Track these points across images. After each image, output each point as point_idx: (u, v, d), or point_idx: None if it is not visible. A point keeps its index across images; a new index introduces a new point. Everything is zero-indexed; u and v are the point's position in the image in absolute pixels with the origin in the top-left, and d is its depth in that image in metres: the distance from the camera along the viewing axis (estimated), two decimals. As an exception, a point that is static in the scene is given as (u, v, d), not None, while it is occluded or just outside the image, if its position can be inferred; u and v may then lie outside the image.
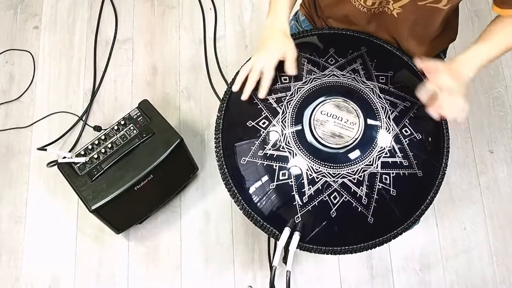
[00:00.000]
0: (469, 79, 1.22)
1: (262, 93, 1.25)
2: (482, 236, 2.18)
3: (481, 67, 1.25)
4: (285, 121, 1.21)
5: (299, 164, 1.18)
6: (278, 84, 1.27)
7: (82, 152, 1.87)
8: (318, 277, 2.12)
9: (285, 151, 1.19)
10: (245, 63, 1.30)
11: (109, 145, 1.87)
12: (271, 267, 1.17)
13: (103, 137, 1.90)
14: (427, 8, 1.25)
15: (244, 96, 1.26)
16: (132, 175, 1.84)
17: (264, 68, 1.26)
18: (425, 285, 2.12)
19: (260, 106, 1.25)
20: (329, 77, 1.27)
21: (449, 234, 2.19)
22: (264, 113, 1.24)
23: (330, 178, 1.17)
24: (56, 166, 1.86)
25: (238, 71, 1.31)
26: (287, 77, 1.28)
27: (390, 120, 1.23)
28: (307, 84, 1.26)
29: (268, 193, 1.20)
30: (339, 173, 1.17)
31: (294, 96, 1.24)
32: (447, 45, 1.55)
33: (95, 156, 1.86)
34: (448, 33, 1.46)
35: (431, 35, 1.40)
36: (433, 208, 2.20)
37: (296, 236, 1.16)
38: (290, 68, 1.26)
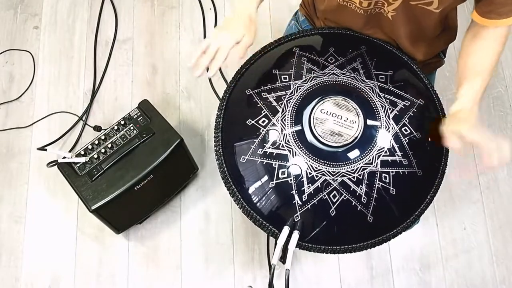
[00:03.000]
0: (476, 115, 1.22)
1: (210, 72, 1.24)
2: (482, 236, 2.18)
3: (482, 94, 1.25)
4: (284, 120, 1.21)
5: (298, 162, 1.18)
6: (278, 83, 1.27)
7: (82, 152, 1.87)
8: (318, 276, 2.12)
9: (285, 150, 1.19)
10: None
11: (109, 145, 1.88)
12: (270, 266, 1.17)
13: (103, 137, 1.90)
14: (420, 10, 1.25)
15: (196, 72, 1.24)
16: (132, 175, 1.84)
17: (220, 47, 1.23)
18: (425, 285, 2.12)
19: (260, 104, 1.25)
20: (329, 76, 1.27)
21: (449, 234, 2.18)
22: (264, 112, 1.24)
23: (329, 176, 1.17)
24: (56, 166, 1.86)
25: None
26: (287, 76, 1.28)
27: (389, 119, 1.23)
28: (307, 83, 1.26)
29: (268, 192, 1.20)
30: (339, 172, 1.17)
31: (294, 94, 1.24)
32: (447, 45, 1.55)
33: (95, 156, 1.86)
34: (447, 34, 1.46)
35: (428, 36, 1.40)
36: (433, 208, 2.20)
37: (295, 235, 1.16)
38: (238, 52, 1.25)
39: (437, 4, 1.21)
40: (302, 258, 2.13)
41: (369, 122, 1.21)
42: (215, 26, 2.52)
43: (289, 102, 1.23)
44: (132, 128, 1.92)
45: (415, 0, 1.21)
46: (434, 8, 1.23)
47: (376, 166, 1.18)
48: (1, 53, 2.49)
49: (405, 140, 1.22)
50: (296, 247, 1.17)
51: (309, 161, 1.17)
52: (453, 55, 2.33)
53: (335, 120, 1.19)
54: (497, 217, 2.21)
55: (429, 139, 1.26)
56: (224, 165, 1.24)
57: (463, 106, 1.23)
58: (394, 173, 1.19)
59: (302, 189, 1.17)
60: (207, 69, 1.23)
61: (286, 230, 1.17)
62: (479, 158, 1.18)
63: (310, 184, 1.17)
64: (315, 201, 1.17)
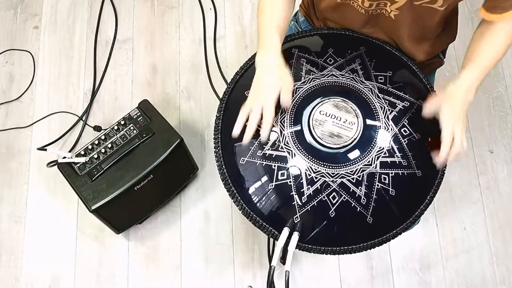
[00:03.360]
0: (470, 103, 1.25)
1: (264, 135, 1.19)
2: (482, 236, 2.18)
3: (478, 86, 1.27)
4: (284, 121, 1.21)
5: (298, 164, 1.18)
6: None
7: (82, 152, 1.87)
8: (318, 277, 2.12)
9: (284, 151, 1.19)
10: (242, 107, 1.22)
11: (109, 145, 1.88)
12: (270, 267, 1.17)
13: (103, 137, 1.90)
14: (424, 9, 1.25)
15: (245, 141, 1.19)
16: (132, 175, 1.84)
17: (264, 108, 1.19)
18: (425, 285, 2.12)
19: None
20: (328, 77, 1.27)
21: (449, 234, 2.18)
22: (263, 113, 1.23)
23: (329, 178, 1.17)
24: (56, 166, 1.86)
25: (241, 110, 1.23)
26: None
27: (389, 120, 1.23)
28: (305, 84, 1.26)
29: (267, 193, 1.20)
30: (338, 173, 1.17)
31: (293, 96, 1.24)
32: (447, 45, 1.55)
33: (95, 156, 1.86)
34: (447, 34, 1.46)
35: (429, 36, 1.40)
36: (433, 208, 2.20)
37: (295, 236, 1.16)
38: (285, 101, 1.20)
39: (442, 1, 1.21)
40: (302, 258, 2.14)
41: (368, 123, 1.21)
42: (215, 26, 2.52)
43: (288, 103, 1.23)
44: (132, 128, 1.92)
45: (419, 0, 1.22)
46: (439, 6, 1.23)
47: (376, 167, 1.18)
48: (1, 53, 2.49)
49: (405, 141, 1.22)
50: (296, 248, 1.17)
51: (309, 162, 1.17)
52: (453, 55, 2.34)
53: (334, 121, 1.19)
54: (497, 217, 2.21)
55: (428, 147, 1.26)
56: (223, 166, 1.24)
57: (458, 88, 1.24)
58: (393, 174, 1.19)
59: (302, 190, 1.17)
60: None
61: (286, 231, 1.17)
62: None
63: (309, 186, 1.17)
64: (315, 202, 1.17)
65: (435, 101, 1.22)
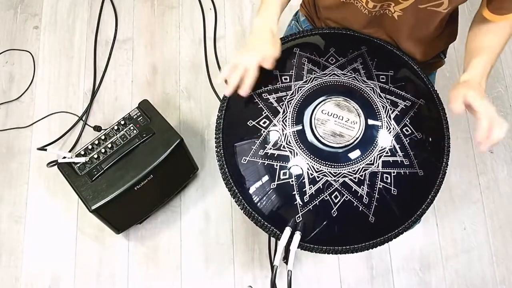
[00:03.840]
0: (485, 90, 1.24)
1: (243, 90, 1.23)
2: (482, 236, 2.19)
3: (488, 75, 1.27)
4: (285, 121, 1.21)
5: (300, 163, 1.18)
6: (279, 84, 1.27)
7: (82, 152, 1.87)
8: (318, 276, 2.12)
9: (286, 151, 1.19)
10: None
11: (109, 145, 1.87)
12: (271, 266, 1.17)
13: (103, 137, 1.90)
14: (427, 11, 1.25)
15: (227, 91, 1.25)
16: (132, 175, 1.84)
17: (248, 65, 1.23)
18: (425, 285, 2.13)
19: (261, 105, 1.25)
20: (329, 76, 1.27)
21: (449, 234, 2.19)
22: (265, 113, 1.23)
23: (331, 177, 1.17)
24: (56, 166, 1.86)
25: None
26: (288, 77, 1.28)
27: (390, 119, 1.23)
28: (307, 84, 1.26)
29: (269, 192, 1.20)
30: (340, 173, 1.17)
31: (295, 95, 1.24)
32: (447, 45, 1.55)
33: (95, 156, 1.86)
34: (447, 34, 1.47)
35: (429, 36, 1.40)
36: (433, 208, 2.20)
37: (297, 235, 1.16)
38: (267, 65, 1.25)
39: (447, 4, 1.21)
40: (303, 258, 2.14)
41: (370, 122, 1.21)
42: (215, 26, 2.52)
43: (290, 103, 1.23)
44: (132, 128, 1.92)
45: (424, 3, 1.22)
46: (443, 9, 1.23)
47: (378, 167, 1.18)
48: (1, 53, 2.48)
49: (406, 141, 1.22)
50: (297, 247, 1.17)
51: (311, 162, 1.17)
52: (453, 55, 2.34)
53: (336, 120, 1.19)
54: (497, 217, 2.21)
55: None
56: (225, 166, 1.24)
57: (472, 77, 1.23)
58: (395, 174, 1.19)
59: (304, 190, 1.17)
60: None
61: (287, 231, 1.16)
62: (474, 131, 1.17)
63: (311, 185, 1.17)
64: (317, 202, 1.17)
65: (456, 95, 1.17)
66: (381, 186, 1.18)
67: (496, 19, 1.26)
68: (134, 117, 1.94)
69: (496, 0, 1.23)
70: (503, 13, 1.24)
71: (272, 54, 1.26)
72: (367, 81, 1.27)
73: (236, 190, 1.22)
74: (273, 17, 1.32)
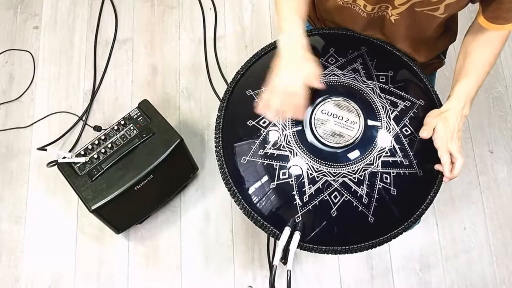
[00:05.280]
0: (467, 116, 1.29)
1: (300, 114, 1.19)
2: (482, 236, 2.19)
3: (474, 97, 1.30)
4: (285, 121, 1.21)
5: (299, 163, 1.18)
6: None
7: (82, 152, 1.87)
8: (318, 277, 2.12)
9: (286, 151, 1.19)
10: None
11: (109, 145, 1.87)
12: (271, 266, 1.17)
13: (103, 137, 1.90)
14: (424, 15, 1.25)
15: (272, 118, 1.19)
16: (132, 175, 1.84)
17: (295, 89, 1.15)
18: (425, 285, 2.12)
19: (261, 105, 1.25)
20: (329, 76, 1.27)
21: (449, 234, 2.19)
22: (265, 113, 1.23)
23: (330, 177, 1.17)
24: (56, 166, 1.86)
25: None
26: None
27: (390, 120, 1.23)
28: (307, 84, 1.26)
29: (269, 192, 1.20)
30: (340, 173, 1.17)
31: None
32: (447, 46, 1.56)
33: (95, 156, 1.86)
34: (447, 36, 1.47)
35: (428, 39, 1.40)
36: (433, 208, 2.20)
37: (297, 235, 1.16)
38: (316, 79, 1.17)
39: (443, 10, 1.21)
40: (302, 258, 2.14)
41: (370, 122, 1.21)
42: (215, 26, 2.52)
43: (290, 103, 1.23)
44: (132, 128, 1.92)
45: (421, 6, 1.22)
46: (440, 14, 1.23)
47: (377, 167, 1.18)
48: (1, 53, 2.48)
49: (406, 141, 1.22)
50: (297, 247, 1.17)
51: (310, 162, 1.17)
52: (453, 55, 2.32)
53: (336, 120, 1.19)
54: (497, 217, 2.21)
55: None
56: (225, 166, 1.24)
57: (454, 106, 1.26)
58: (395, 174, 1.19)
59: (303, 190, 1.17)
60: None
61: (287, 231, 1.17)
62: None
63: (311, 185, 1.17)
64: (316, 202, 1.17)
65: (430, 124, 1.23)
66: (380, 186, 1.18)
67: (490, 27, 1.26)
68: (134, 117, 1.94)
69: (491, 8, 1.23)
70: (498, 22, 1.24)
71: (315, 71, 1.17)
72: (367, 81, 1.27)
73: (236, 190, 1.23)
74: (297, 29, 1.20)
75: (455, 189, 2.24)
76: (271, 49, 1.38)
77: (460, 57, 1.35)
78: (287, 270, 1.15)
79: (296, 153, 1.18)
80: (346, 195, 1.17)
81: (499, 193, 2.24)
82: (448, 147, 1.21)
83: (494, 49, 1.30)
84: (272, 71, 1.18)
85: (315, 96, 1.22)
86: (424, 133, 1.21)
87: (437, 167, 1.24)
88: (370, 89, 1.26)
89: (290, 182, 1.18)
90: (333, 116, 1.19)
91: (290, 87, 1.15)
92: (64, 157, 1.85)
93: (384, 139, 1.21)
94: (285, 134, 1.20)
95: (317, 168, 1.17)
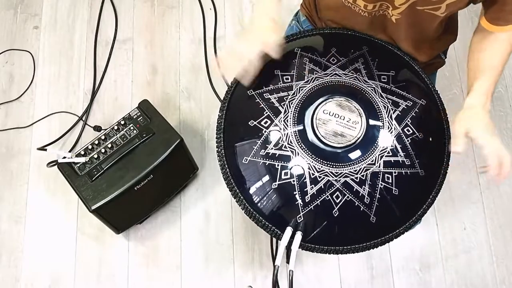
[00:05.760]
0: (489, 111, 1.25)
1: (247, 81, 1.23)
2: (482, 236, 2.19)
3: (493, 93, 1.27)
4: (287, 121, 1.21)
5: (301, 163, 1.18)
6: (280, 83, 1.27)
7: (82, 152, 1.87)
8: (318, 277, 2.12)
9: (287, 151, 1.19)
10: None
11: (109, 145, 1.87)
12: (274, 267, 1.17)
13: (103, 137, 1.90)
14: (425, 14, 1.25)
15: (219, 71, 1.24)
16: (132, 175, 1.84)
17: (249, 55, 1.22)
18: (425, 285, 2.13)
19: (262, 105, 1.25)
20: (331, 76, 1.27)
21: (449, 234, 2.19)
22: (266, 113, 1.23)
23: (332, 177, 1.17)
24: (56, 166, 1.86)
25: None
26: (289, 76, 1.28)
27: (392, 119, 1.23)
28: (309, 84, 1.26)
29: (270, 192, 1.20)
30: (342, 173, 1.17)
31: (296, 95, 1.24)
32: (447, 46, 1.55)
33: (95, 156, 1.86)
34: (447, 35, 1.47)
35: (429, 38, 1.40)
36: (433, 208, 2.18)
37: (298, 235, 1.16)
38: (271, 51, 1.23)
39: (444, 9, 1.21)
40: (303, 258, 2.14)
41: (372, 122, 1.21)
42: (215, 26, 2.52)
43: (291, 103, 1.23)
44: (132, 128, 1.92)
45: (422, 5, 1.22)
46: (441, 13, 1.23)
47: (379, 167, 1.18)
48: (1, 53, 2.48)
49: (408, 141, 1.22)
50: (299, 247, 1.17)
51: (312, 162, 1.17)
52: (454, 55, 2.35)
53: (337, 120, 1.19)
54: (497, 217, 2.21)
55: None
56: (226, 166, 1.24)
57: (477, 100, 1.25)
58: (396, 174, 1.19)
59: (305, 190, 1.17)
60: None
61: (289, 231, 1.16)
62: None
63: (313, 185, 1.17)
64: (318, 202, 1.17)
65: (458, 134, 1.19)
66: (382, 186, 1.18)
67: (493, 29, 1.26)
68: (134, 117, 1.94)
69: (493, 10, 1.23)
70: (500, 24, 1.24)
71: (275, 40, 1.23)
72: (368, 81, 1.27)
73: (237, 190, 1.22)
74: (272, 5, 1.29)
75: (455, 189, 2.24)
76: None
77: (471, 61, 1.34)
78: (289, 271, 1.15)
79: (298, 153, 1.18)
80: (348, 195, 1.17)
81: (499, 193, 2.24)
82: (497, 149, 1.18)
83: (503, 49, 1.29)
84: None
85: (316, 95, 1.22)
86: (456, 148, 1.18)
87: (485, 170, 1.20)
88: (371, 89, 1.26)
89: (292, 182, 1.18)
90: (335, 116, 1.19)
91: (245, 52, 1.22)
92: (64, 157, 1.85)
93: (386, 139, 1.21)
94: (287, 134, 1.20)
95: (319, 168, 1.17)
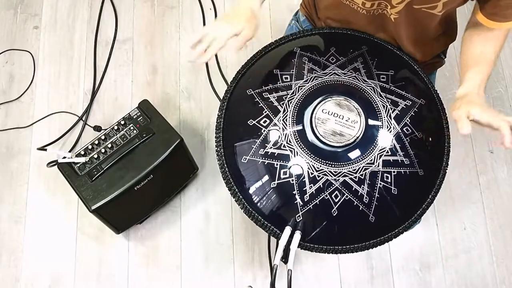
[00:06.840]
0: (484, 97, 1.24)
1: (205, 57, 1.22)
2: (482, 236, 2.19)
3: (486, 83, 1.27)
4: (286, 120, 1.21)
5: (300, 162, 1.18)
6: (279, 83, 1.27)
7: (82, 152, 1.87)
8: (318, 276, 2.12)
9: (286, 150, 1.19)
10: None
11: (109, 145, 1.87)
12: (271, 266, 1.17)
13: (103, 137, 1.90)
14: (423, 13, 1.25)
15: (191, 57, 1.23)
16: (132, 175, 1.84)
17: (217, 36, 1.22)
18: (425, 285, 2.12)
19: (261, 104, 1.25)
20: (330, 75, 1.27)
21: (449, 234, 2.19)
22: (265, 112, 1.24)
23: (331, 176, 1.17)
24: (56, 166, 1.86)
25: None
26: (288, 76, 1.28)
27: (391, 119, 1.23)
28: (308, 83, 1.26)
29: (269, 192, 1.20)
30: (341, 172, 1.17)
31: (295, 94, 1.24)
32: (447, 46, 1.55)
33: (95, 156, 1.86)
34: (447, 35, 1.47)
35: (428, 37, 1.40)
36: (433, 208, 2.20)
37: (297, 235, 1.16)
38: (236, 43, 1.23)
39: (441, 7, 1.22)
40: (302, 258, 2.13)
41: (371, 122, 1.21)
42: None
43: (290, 102, 1.23)
44: (132, 128, 1.92)
45: (419, 4, 1.22)
46: (438, 12, 1.23)
47: (378, 166, 1.18)
48: (1, 53, 2.48)
49: (407, 140, 1.22)
50: (298, 247, 1.17)
51: (311, 161, 1.17)
52: (453, 55, 2.34)
53: (336, 120, 1.19)
54: (497, 217, 2.21)
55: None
56: (225, 165, 1.24)
57: (469, 89, 1.24)
58: (395, 173, 1.19)
59: (304, 189, 1.17)
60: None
61: (287, 230, 1.17)
62: (494, 138, 1.19)
63: (312, 184, 1.17)
64: (317, 201, 1.17)
65: (461, 116, 1.17)
66: (381, 186, 1.18)
67: (489, 24, 1.25)
68: (134, 117, 1.94)
69: (490, 5, 1.23)
70: (496, 19, 1.24)
71: (246, 33, 1.24)
72: (367, 80, 1.27)
73: (237, 190, 1.22)
74: None
75: (455, 189, 2.24)
76: (272, 48, 1.38)
77: (463, 54, 1.33)
78: (288, 270, 1.15)
79: (297, 153, 1.18)
80: (347, 194, 1.17)
81: (499, 193, 2.24)
82: (503, 119, 1.17)
83: (496, 42, 1.29)
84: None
85: (315, 95, 1.22)
86: (464, 130, 1.16)
87: (501, 142, 1.18)
88: (371, 88, 1.26)
89: (291, 182, 1.18)
90: (333, 115, 1.19)
91: (218, 35, 1.22)
92: (64, 157, 1.85)
93: (385, 138, 1.21)
94: (286, 134, 1.20)
95: (318, 168, 1.17)
